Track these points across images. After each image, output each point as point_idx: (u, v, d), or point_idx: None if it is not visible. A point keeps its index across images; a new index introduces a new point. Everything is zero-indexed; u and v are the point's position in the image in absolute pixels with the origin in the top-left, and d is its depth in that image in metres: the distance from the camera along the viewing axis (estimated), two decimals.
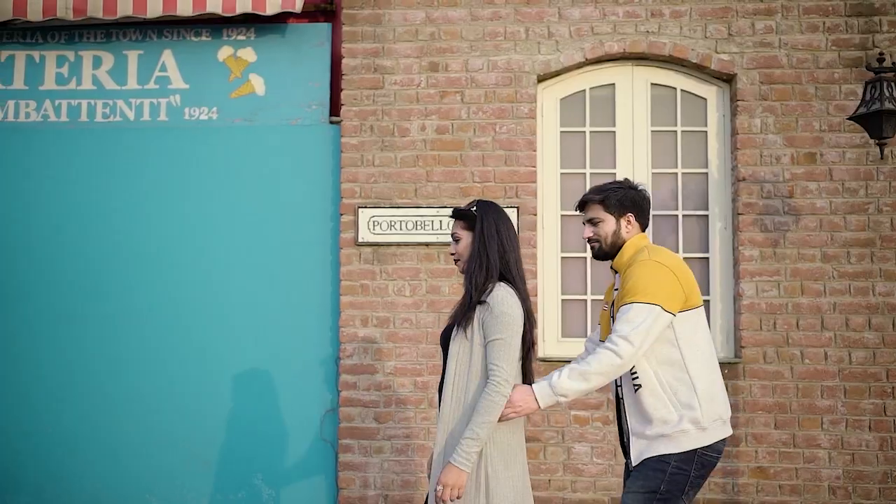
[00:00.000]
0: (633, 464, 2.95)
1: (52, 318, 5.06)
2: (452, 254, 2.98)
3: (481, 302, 2.78)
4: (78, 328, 5.05)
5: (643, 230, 3.11)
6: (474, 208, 2.93)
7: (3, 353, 5.05)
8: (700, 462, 2.90)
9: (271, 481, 4.97)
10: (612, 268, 3.12)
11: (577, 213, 3.19)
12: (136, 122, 5.21)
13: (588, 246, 3.14)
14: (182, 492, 4.97)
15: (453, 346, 2.83)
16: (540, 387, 2.81)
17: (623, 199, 3.05)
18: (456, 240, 2.96)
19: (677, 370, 2.90)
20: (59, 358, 5.04)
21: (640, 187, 3.12)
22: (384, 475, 4.84)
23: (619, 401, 3.07)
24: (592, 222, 3.09)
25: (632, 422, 2.97)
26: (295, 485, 4.96)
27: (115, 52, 5.27)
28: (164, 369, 5.01)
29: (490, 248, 2.85)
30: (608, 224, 3.05)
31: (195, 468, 4.98)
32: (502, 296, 2.77)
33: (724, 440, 2.96)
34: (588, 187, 5.01)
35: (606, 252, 3.08)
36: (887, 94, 4.16)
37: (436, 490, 2.72)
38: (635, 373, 2.92)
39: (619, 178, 4.96)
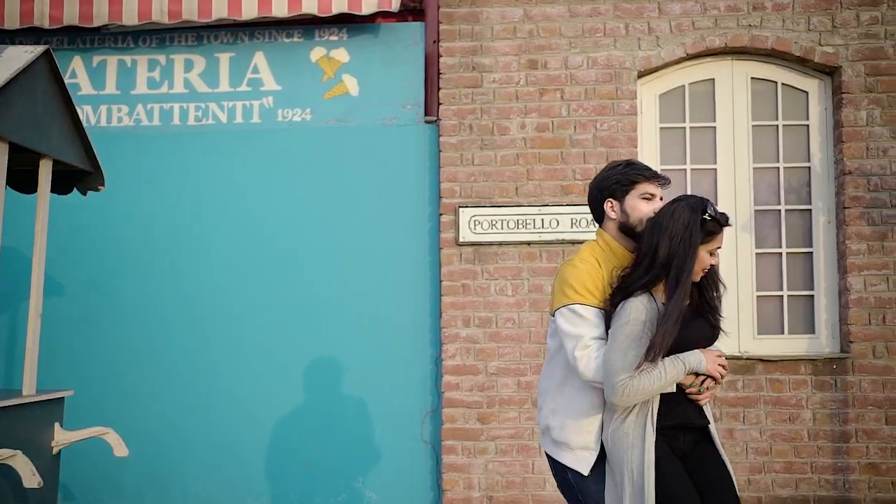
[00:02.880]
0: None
1: (140, 319, 5.05)
2: None
3: None
4: (172, 329, 5.04)
5: None
6: None
7: (99, 359, 5.05)
8: None
9: (372, 484, 4.95)
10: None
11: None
12: (229, 125, 5.19)
13: None
14: (283, 494, 4.95)
15: None
16: None
17: None
18: None
19: None
20: (158, 360, 5.03)
21: None
22: (488, 476, 4.81)
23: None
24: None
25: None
26: (396, 487, 4.93)
27: (206, 55, 5.25)
28: (263, 371, 5.00)
29: None
30: None
31: (296, 471, 4.96)
32: None
33: None
34: (689, 183, 5.00)
35: None
36: None
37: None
38: None
39: (720, 173, 4.98)
